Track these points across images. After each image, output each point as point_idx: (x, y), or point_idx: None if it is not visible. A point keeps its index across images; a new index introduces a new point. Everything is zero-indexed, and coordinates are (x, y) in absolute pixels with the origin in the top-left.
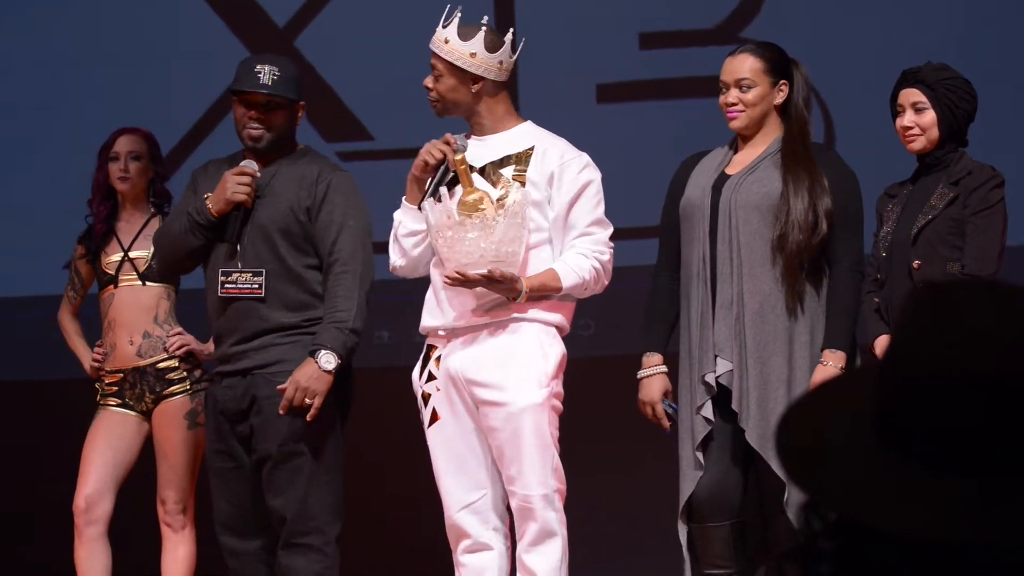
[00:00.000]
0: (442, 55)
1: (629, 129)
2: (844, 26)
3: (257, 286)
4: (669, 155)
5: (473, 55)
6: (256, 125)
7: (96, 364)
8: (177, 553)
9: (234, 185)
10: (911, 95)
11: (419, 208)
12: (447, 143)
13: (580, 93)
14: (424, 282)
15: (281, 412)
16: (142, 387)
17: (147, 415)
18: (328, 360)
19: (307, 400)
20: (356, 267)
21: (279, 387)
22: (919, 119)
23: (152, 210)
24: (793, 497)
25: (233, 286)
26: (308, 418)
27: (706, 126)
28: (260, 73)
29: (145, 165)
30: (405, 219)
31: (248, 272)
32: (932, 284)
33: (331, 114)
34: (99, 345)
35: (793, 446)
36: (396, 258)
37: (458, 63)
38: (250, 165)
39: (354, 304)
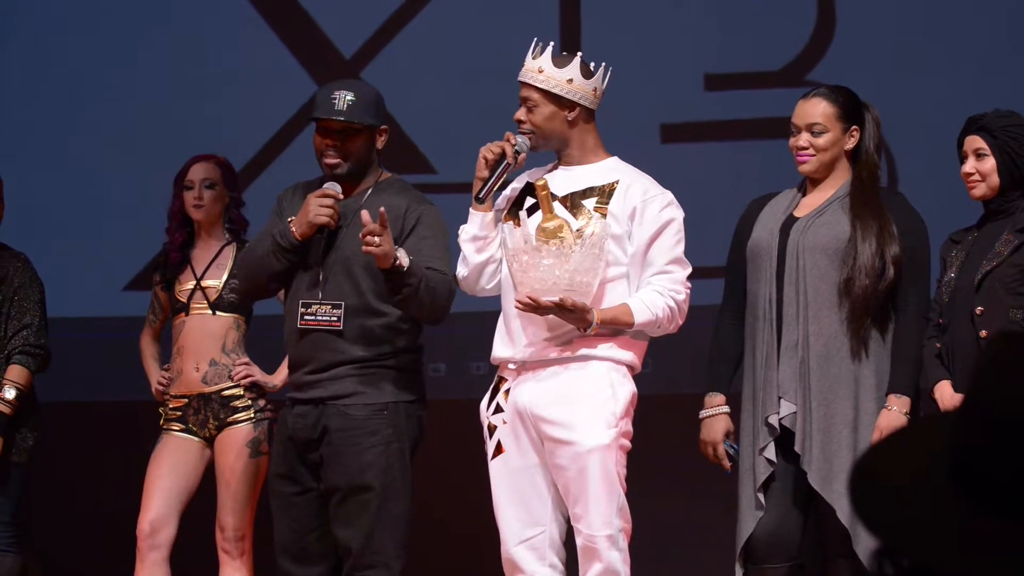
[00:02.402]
0: (537, 84)
1: (693, 169)
2: (911, 70)
3: (336, 319)
4: (732, 196)
5: (570, 81)
6: (332, 154)
7: (160, 388)
8: None
9: (316, 208)
10: (973, 142)
11: (477, 199)
12: (507, 140)
13: (644, 132)
14: (482, 317)
15: (364, 216)
16: (206, 413)
17: (210, 441)
18: (405, 255)
19: (379, 240)
20: (449, 278)
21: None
22: (980, 166)
23: (227, 237)
24: (864, 541)
25: (312, 318)
26: (370, 250)
27: (771, 168)
28: (336, 100)
29: (220, 192)
30: (468, 224)
31: (328, 304)
32: (1010, 335)
33: (395, 147)
34: (166, 369)
35: (867, 491)
36: (460, 267)
37: (555, 90)
38: (333, 187)
39: (435, 287)
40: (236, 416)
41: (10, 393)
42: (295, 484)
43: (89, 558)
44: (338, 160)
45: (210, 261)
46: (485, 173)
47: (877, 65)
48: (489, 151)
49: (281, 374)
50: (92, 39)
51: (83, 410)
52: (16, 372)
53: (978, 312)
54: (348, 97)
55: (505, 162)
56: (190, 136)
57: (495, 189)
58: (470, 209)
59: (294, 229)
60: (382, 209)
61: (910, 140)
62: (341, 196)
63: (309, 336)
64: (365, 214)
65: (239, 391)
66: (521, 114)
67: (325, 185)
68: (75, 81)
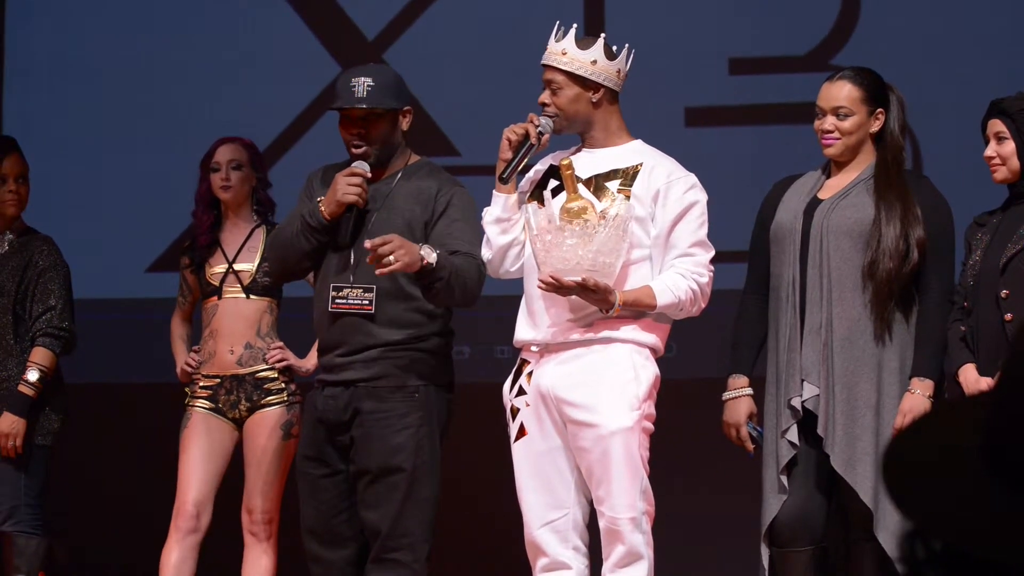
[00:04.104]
0: (561, 67)
1: (716, 153)
2: (935, 53)
3: (367, 302)
4: (756, 181)
5: (594, 63)
6: (359, 142)
7: (188, 369)
8: (260, 563)
9: (344, 187)
10: (994, 125)
11: (501, 180)
12: (530, 121)
13: (669, 116)
14: (506, 300)
15: (368, 245)
16: (239, 394)
17: (237, 423)
18: (430, 252)
19: (394, 256)
20: (479, 262)
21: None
22: (1000, 149)
23: (255, 219)
24: (888, 523)
25: (344, 301)
26: (386, 271)
27: (795, 152)
28: (355, 87)
29: (247, 173)
30: (492, 206)
31: (359, 288)
32: None
33: (419, 130)
34: (195, 351)
35: (899, 474)
36: (483, 250)
37: (579, 72)
38: (361, 166)
39: (463, 270)
40: (269, 399)
41: (34, 375)
42: (323, 466)
43: (114, 539)
44: (364, 148)
45: (241, 244)
46: (509, 154)
47: (902, 49)
48: (512, 132)
49: (312, 358)
50: (117, 23)
51: (106, 391)
52: (40, 354)
53: (1003, 295)
54: (367, 83)
55: (528, 143)
56: (214, 118)
57: (518, 170)
58: (494, 191)
59: (323, 208)
60: (367, 244)
61: (935, 123)
62: (369, 175)
63: (341, 319)
64: (368, 244)
65: (273, 373)
66: (545, 97)
67: (353, 164)
68: (100, 65)
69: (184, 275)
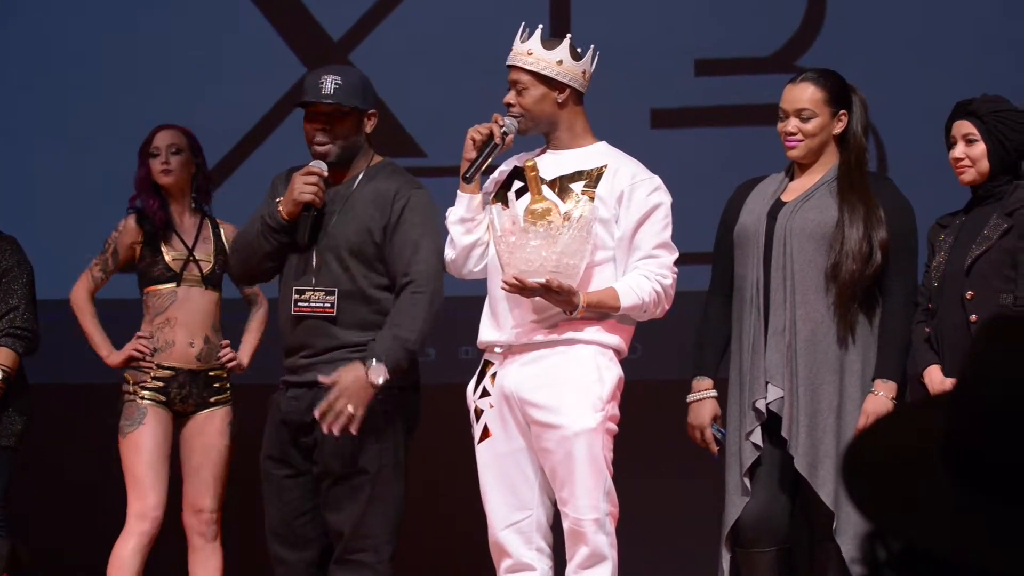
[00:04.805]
0: (526, 67)
1: (682, 155)
2: (899, 55)
3: (329, 305)
4: (722, 182)
5: (560, 63)
6: (322, 139)
7: (138, 355)
8: (210, 564)
9: (301, 186)
10: (962, 127)
11: (464, 179)
12: (495, 121)
13: (635, 118)
14: (472, 301)
15: (316, 415)
16: (191, 389)
17: (180, 417)
18: (379, 373)
19: (348, 408)
20: (429, 291)
21: (322, 379)
22: (969, 151)
23: (196, 208)
24: (847, 526)
25: (306, 304)
26: (354, 431)
27: (760, 154)
28: (322, 84)
29: (186, 158)
30: (456, 206)
31: (321, 291)
32: (1004, 318)
33: (384, 130)
34: (143, 337)
35: (860, 474)
36: (447, 250)
37: (545, 72)
38: (318, 165)
39: (419, 326)
40: (218, 397)
41: None
42: (287, 467)
43: (79, 540)
44: (327, 146)
45: (196, 234)
46: (473, 154)
47: (867, 50)
48: (477, 132)
49: (246, 353)
50: (85, 23)
51: (73, 392)
52: (3, 355)
53: (968, 297)
54: (335, 80)
55: (493, 143)
56: (180, 118)
57: (482, 170)
58: (458, 191)
59: (281, 208)
60: (317, 414)
61: (900, 124)
62: (326, 173)
63: (304, 322)
64: (318, 413)
65: (223, 372)
66: (511, 97)
67: (311, 163)
68: (68, 65)
69: (119, 247)
